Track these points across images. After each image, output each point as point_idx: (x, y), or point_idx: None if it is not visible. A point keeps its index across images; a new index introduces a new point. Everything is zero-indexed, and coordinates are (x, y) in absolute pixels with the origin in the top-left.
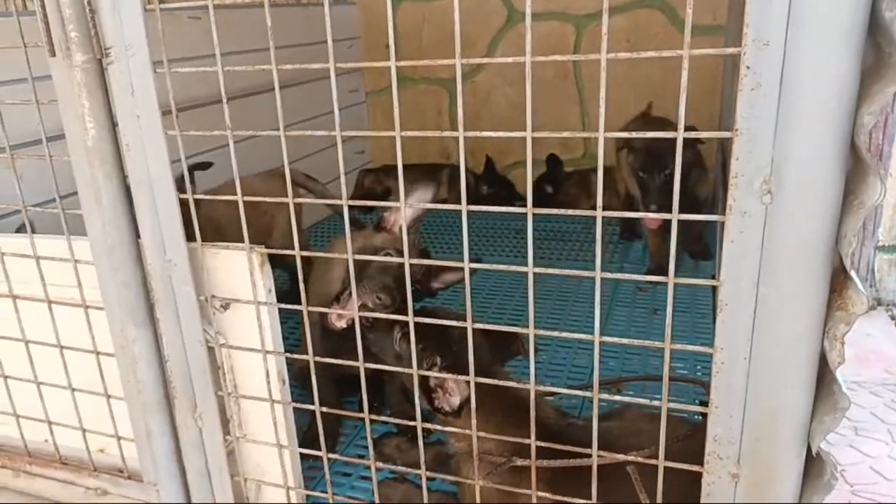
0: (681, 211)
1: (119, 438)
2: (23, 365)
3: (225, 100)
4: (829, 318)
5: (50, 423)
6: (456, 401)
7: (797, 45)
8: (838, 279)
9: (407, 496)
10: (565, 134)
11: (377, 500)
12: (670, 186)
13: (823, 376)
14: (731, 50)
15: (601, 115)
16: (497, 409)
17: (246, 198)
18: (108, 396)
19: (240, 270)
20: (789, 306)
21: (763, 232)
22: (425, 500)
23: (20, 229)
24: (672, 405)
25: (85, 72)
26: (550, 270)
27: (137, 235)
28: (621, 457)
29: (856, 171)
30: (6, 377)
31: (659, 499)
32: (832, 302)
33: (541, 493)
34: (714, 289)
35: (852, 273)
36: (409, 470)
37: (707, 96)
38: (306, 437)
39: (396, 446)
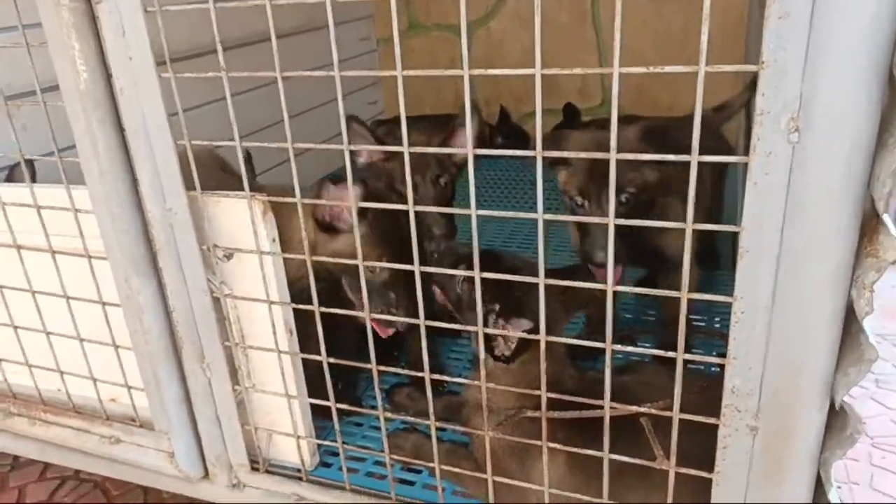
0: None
1: (129, 388)
2: (33, 315)
3: (218, 37)
4: (857, 265)
5: (61, 372)
6: (511, 346)
7: None
8: (870, 224)
9: (417, 446)
10: (577, 70)
11: (387, 450)
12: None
13: (849, 326)
14: None
15: (616, 48)
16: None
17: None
18: (117, 346)
19: (242, 219)
20: (815, 252)
21: (789, 173)
22: (435, 451)
23: (11, 175)
24: (688, 356)
25: (73, 11)
26: (561, 217)
27: (136, 183)
28: (634, 408)
29: (892, 106)
30: (17, 327)
31: (673, 452)
32: (862, 248)
33: (555, 446)
34: (734, 238)
35: (885, 217)
36: (420, 420)
37: (730, 41)
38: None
39: (408, 395)
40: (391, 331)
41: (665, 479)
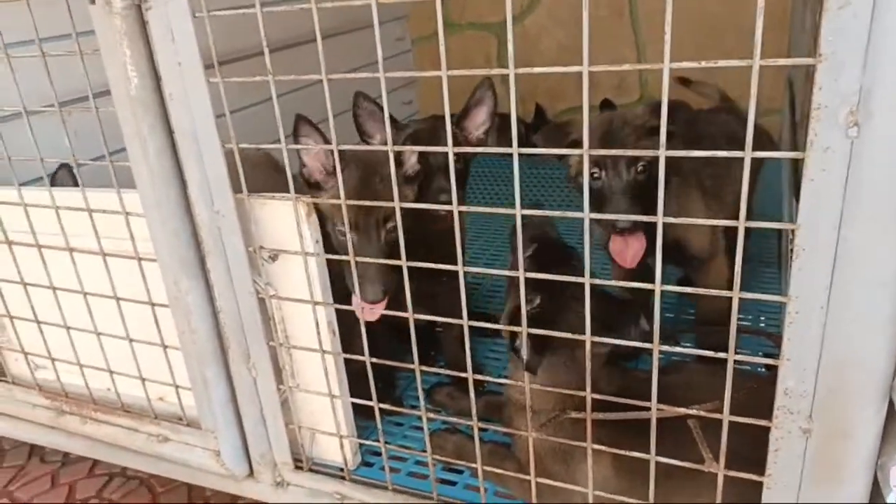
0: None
1: (177, 387)
2: (84, 316)
3: (265, 42)
4: None
5: (111, 372)
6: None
7: None
8: None
9: (459, 447)
10: (626, 67)
11: (429, 450)
12: (647, 193)
13: None
14: None
15: (667, 42)
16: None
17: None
18: (165, 347)
19: (287, 221)
20: (874, 250)
21: (847, 169)
22: (477, 451)
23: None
24: (739, 357)
25: (124, 18)
26: (605, 216)
27: (185, 186)
28: (682, 410)
29: None
30: (69, 328)
31: (723, 454)
32: None
33: (599, 448)
34: (780, 236)
35: None
36: (461, 421)
37: (773, 32)
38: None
39: (448, 394)
40: (376, 312)
41: (712, 480)
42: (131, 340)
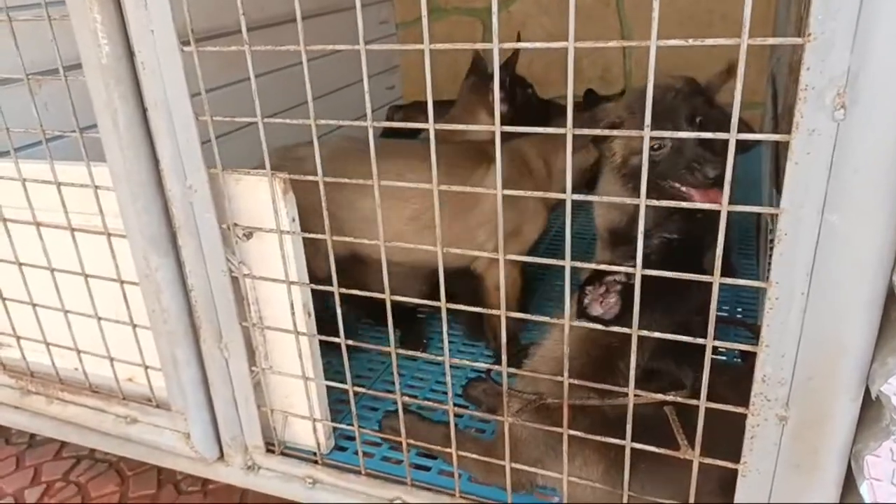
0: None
1: (146, 368)
2: (51, 293)
3: (241, 9)
4: None
5: (79, 351)
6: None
7: None
8: None
9: (407, 426)
10: (612, 43)
11: (404, 435)
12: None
13: (889, 313)
14: None
15: (654, 19)
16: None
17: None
18: (135, 325)
19: (263, 198)
20: (857, 236)
21: (832, 152)
22: (453, 436)
23: None
24: (718, 343)
25: None
26: (590, 197)
27: (157, 160)
28: (659, 396)
29: None
30: (35, 305)
31: (698, 440)
32: None
33: (575, 433)
34: (758, 229)
35: None
36: (438, 406)
37: (759, 24)
38: None
39: (484, 391)
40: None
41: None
42: (100, 319)
